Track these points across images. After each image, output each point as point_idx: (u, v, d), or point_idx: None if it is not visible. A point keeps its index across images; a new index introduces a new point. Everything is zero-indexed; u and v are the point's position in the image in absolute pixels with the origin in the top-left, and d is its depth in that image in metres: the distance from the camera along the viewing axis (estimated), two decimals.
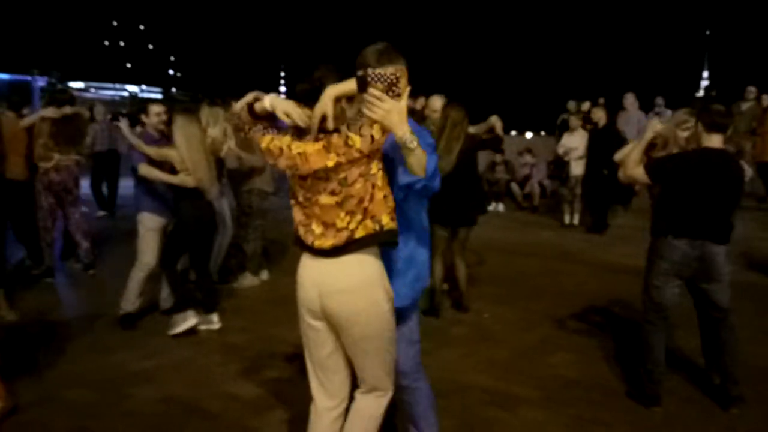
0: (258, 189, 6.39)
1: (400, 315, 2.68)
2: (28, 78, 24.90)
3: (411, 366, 2.83)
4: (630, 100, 11.49)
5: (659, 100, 12.44)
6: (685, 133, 4.33)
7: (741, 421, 3.75)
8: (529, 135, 27.81)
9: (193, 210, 5.01)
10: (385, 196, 2.36)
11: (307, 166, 2.31)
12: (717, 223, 3.77)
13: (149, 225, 5.23)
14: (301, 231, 2.46)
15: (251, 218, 6.47)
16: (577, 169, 10.11)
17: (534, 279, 7.09)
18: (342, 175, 2.30)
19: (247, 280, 6.55)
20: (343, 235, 2.34)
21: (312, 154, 2.30)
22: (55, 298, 6.25)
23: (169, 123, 5.20)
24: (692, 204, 3.77)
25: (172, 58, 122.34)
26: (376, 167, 2.33)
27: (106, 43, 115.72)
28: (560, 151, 10.66)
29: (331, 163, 2.28)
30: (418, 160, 2.26)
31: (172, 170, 4.95)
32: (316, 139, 2.30)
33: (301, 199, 2.42)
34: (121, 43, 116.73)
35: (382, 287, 2.43)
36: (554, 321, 5.58)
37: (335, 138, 2.27)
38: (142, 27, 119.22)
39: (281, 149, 2.37)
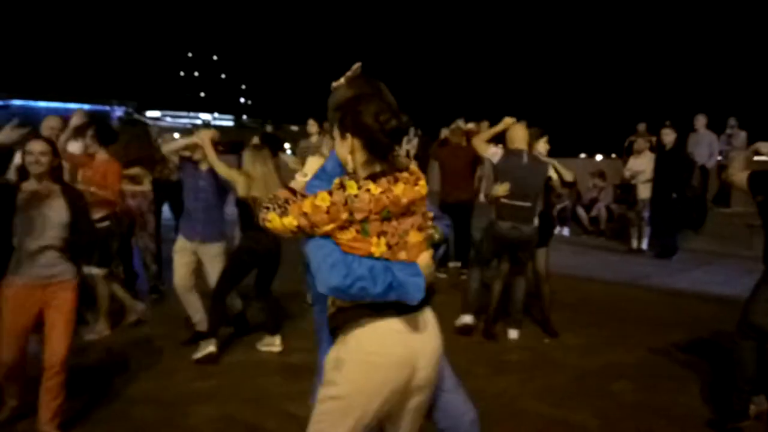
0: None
1: None
2: (107, 108, 26.15)
3: None
4: (701, 122, 11.17)
5: (732, 121, 12.03)
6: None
7: None
8: (599, 158, 27.13)
9: (248, 241, 5.16)
10: None
11: (401, 201, 2.10)
12: None
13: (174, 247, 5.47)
14: None
15: None
16: (644, 192, 9.92)
17: (598, 304, 6.93)
18: (422, 207, 2.21)
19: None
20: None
21: (400, 192, 2.10)
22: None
23: None
24: None
25: (244, 87, 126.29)
26: None
27: (182, 73, 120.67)
28: (627, 174, 10.47)
29: (424, 191, 2.19)
30: None
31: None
32: (395, 179, 2.11)
33: (386, 245, 2.08)
34: (196, 73, 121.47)
35: None
36: (617, 347, 5.45)
37: (412, 171, 2.19)
38: (215, 57, 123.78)
39: (358, 195, 2.03)
